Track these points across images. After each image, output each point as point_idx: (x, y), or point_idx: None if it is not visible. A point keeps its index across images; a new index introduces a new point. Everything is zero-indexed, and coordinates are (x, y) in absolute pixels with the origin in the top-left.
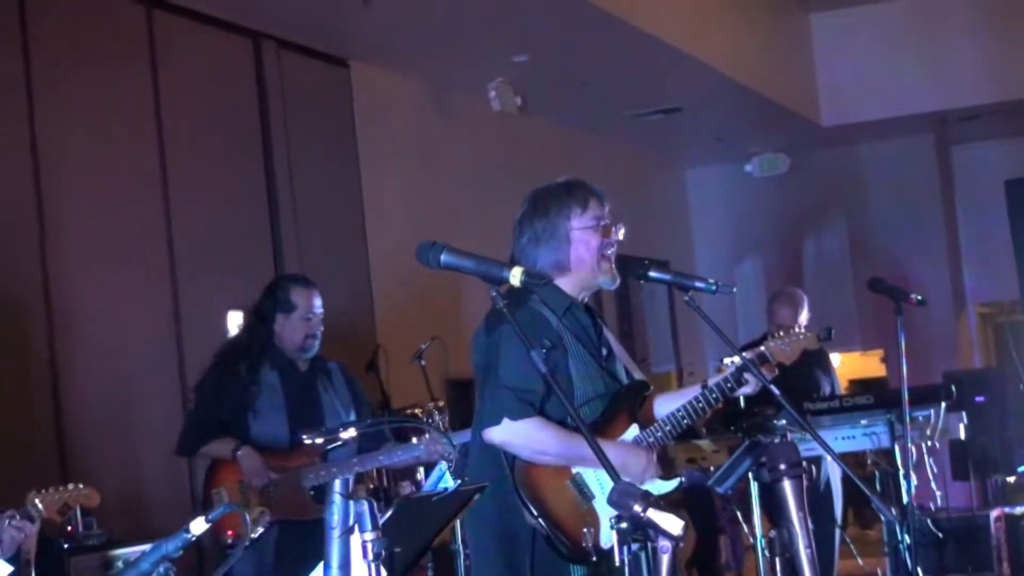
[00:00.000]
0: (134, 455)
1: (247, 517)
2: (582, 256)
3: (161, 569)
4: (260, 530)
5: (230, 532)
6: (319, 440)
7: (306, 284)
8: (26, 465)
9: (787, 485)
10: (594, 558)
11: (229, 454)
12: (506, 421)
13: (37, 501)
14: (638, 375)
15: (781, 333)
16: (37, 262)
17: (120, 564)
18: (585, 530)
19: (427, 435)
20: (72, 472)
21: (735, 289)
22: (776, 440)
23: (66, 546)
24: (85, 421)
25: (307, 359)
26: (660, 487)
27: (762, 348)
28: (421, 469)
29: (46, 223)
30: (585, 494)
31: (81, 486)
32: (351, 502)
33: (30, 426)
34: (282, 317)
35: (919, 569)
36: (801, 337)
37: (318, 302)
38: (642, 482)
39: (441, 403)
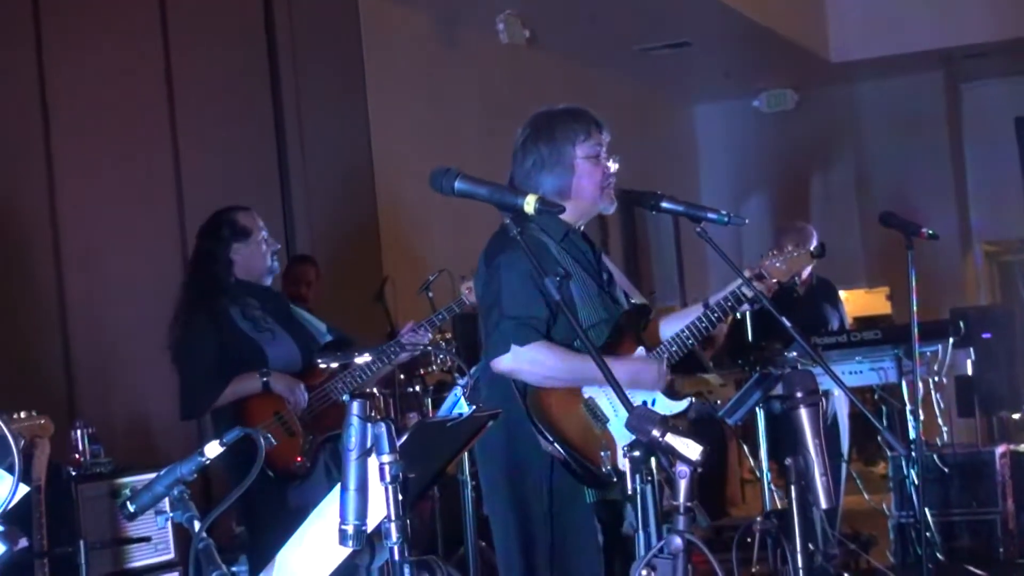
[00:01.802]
0: (141, 384)
1: (271, 439)
2: (583, 185)
3: (175, 492)
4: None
5: (299, 459)
6: (334, 364)
7: (246, 208)
8: (34, 395)
9: (803, 413)
10: (614, 479)
11: (259, 387)
12: (514, 348)
13: None
14: (638, 300)
15: (774, 251)
16: (45, 194)
17: (127, 492)
18: (602, 453)
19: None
20: (79, 401)
21: (747, 220)
22: (788, 371)
23: (73, 474)
24: (92, 351)
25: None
26: (671, 407)
27: (758, 267)
28: (429, 401)
29: (54, 156)
30: (599, 417)
31: (35, 413)
32: (369, 424)
33: (38, 356)
34: (241, 245)
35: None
36: (796, 255)
37: (262, 222)
38: (656, 390)
39: (448, 335)
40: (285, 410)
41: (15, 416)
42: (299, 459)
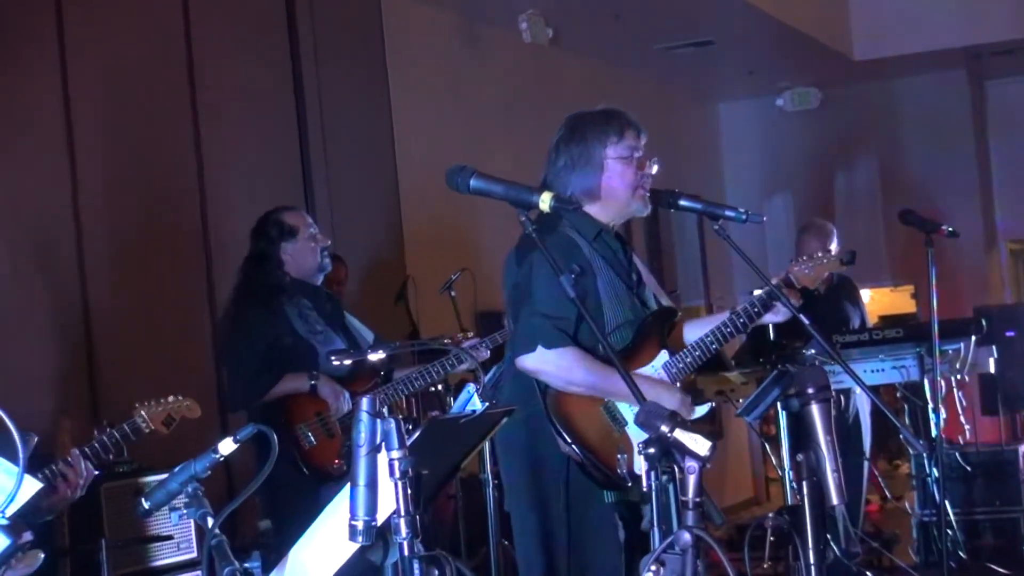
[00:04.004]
0: (164, 383)
1: (310, 438)
2: (614, 186)
3: (189, 489)
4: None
5: (337, 462)
6: (347, 361)
7: (293, 207)
8: (58, 394)
9: (815, 409)
10: (629, 484)
11: (306, 387)
12: (540, 349)
13: (144, 412)
14: (666, 302)
15: (804, 257)
16: (68, 194)
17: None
18: (619, 456)
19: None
20: (102, 400)
21: (764, 218)
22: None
23: (97, 473)
24: (116, 350)
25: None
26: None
27: (786, 273)
28: (451, 400)
29: (76, 157)
30: (618, 420)
31: (181, 397)
32: (378, 420)
33: (63, 355)
34: (289, 244)
35: (947, 503)
36: (825, 261)
37: (311, 219)
38: None
39: (471, 335)
40: (327, 411)
41: (162, 400)
42: (337, 461)
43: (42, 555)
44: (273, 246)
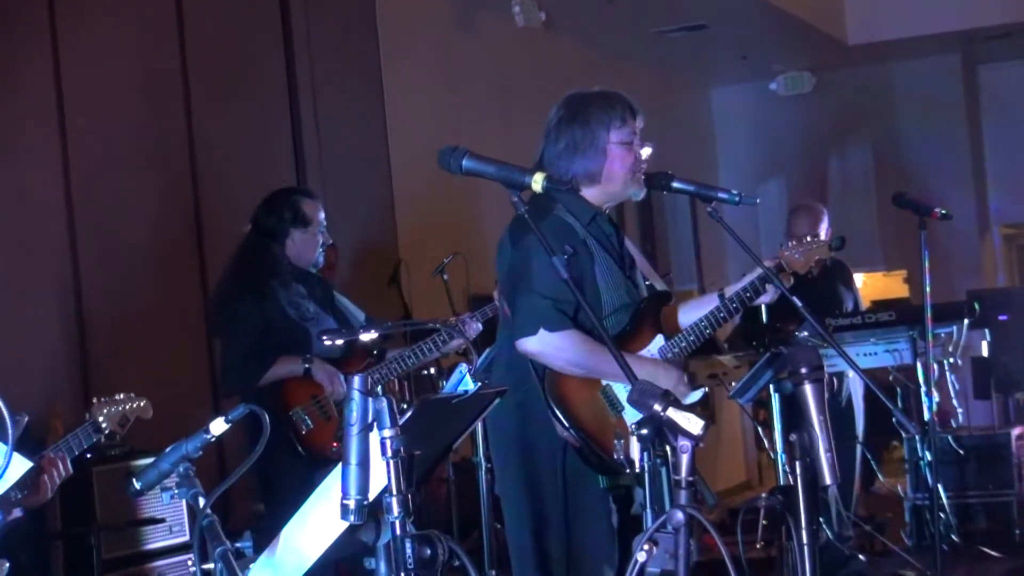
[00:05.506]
0: (156, 365)
1: (307, 421)
2: (615, 170)
3: (181, 469)
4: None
5: (335, 444)
6: (339, 341)
7: (312, 195)
8: (50, 376)
9: (807, 389)
10: (627, 469)
11: (300, 371)
12: (543, 332)
13: (104, 411)
14: (660, 286)
15: (793, 243)
16: (60, 179)
17: None
18: (616, 441)
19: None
20: (94, 383)
21: (758, 200)
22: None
23: (88, 456)
24: (107, 332)
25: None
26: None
27: (778, 258)
28: (443, 383)
29: (68, 143)
30: (615, 405)
31: (133, 395)
32: (370, 399)
33: (54, 337)
34: (299, 232)
35: (939, 486)
36: (814, 246)
37: (323, 214)
38: None
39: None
40: (322, 394)
41: (116, 398)
42: (335, 444)
43: (7, 564)
44: (283, 226)
